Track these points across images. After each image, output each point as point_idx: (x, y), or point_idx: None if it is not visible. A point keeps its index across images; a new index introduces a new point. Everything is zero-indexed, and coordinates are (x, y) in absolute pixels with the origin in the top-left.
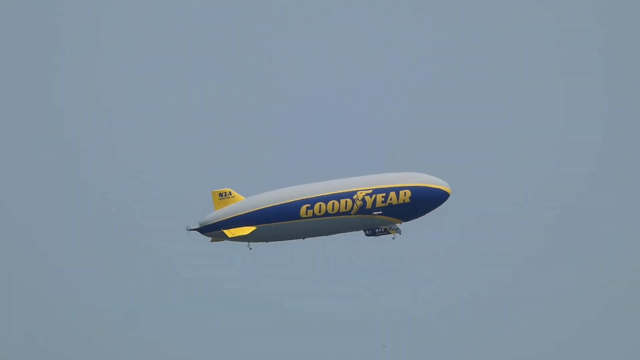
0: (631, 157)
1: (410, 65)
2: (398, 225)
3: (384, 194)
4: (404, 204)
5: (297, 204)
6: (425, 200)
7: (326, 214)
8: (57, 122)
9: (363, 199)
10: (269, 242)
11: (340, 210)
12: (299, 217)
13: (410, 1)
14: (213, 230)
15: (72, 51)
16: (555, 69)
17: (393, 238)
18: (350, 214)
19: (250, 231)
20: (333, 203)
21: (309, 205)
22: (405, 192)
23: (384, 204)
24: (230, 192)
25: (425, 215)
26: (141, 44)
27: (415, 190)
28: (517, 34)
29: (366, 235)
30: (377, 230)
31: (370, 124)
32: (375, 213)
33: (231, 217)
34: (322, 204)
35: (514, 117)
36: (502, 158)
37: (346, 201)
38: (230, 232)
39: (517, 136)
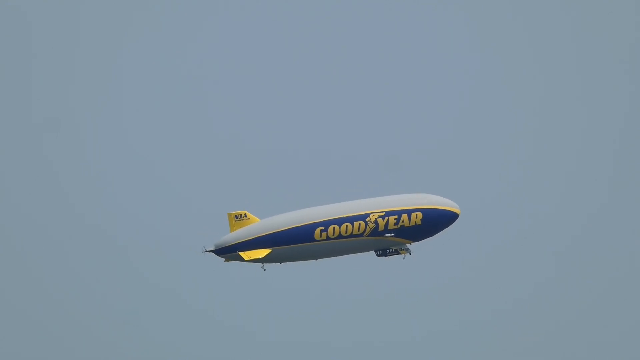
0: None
1: (419, 85)
2: (408, 245)
3: (396, 217)
4: (416, 225)
5: (312, 227)
6: (436, 222)
7: (339, 236)
8: (63, 140)
9: (375, 222)
10: (282, 263)
11: (354, 233)
12: (313, 240)
13: (411, 12)
14: (229, 252)
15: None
16: (571, 88)
17: (403, 258)
18: (363, 236)
19: (266, 254)
20: (346, 226)
21: (323, 228)
22: (416, 214)
23: (396, 226)
24: (245, 214)
25: (435, 235)
26: (147, 53)
27: (426, 212)
28: (531, 48)
29: (377, 255)
30: (387, 250)
31: (379, 143)
32: (387, 235)
33: (247, 240)
34: (336, 226)
35: (524, 136)
36: (508, 177)
37: (359, 224)
38: (246, 255)
39: (525, 156)
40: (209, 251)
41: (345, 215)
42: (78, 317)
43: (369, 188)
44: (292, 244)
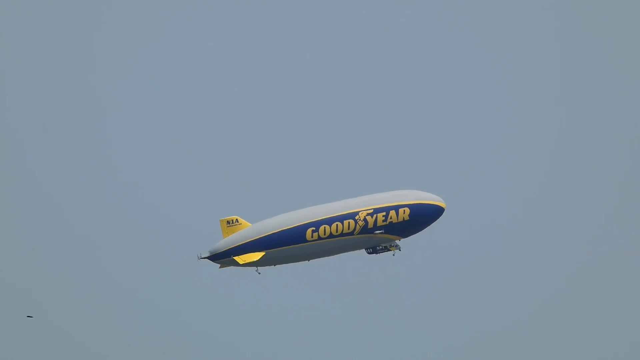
0: (629, 166)
1: (403, 81)
2: (397, 242)
3: (384, 213)
4: (404, 221)
5: (303, 228)
6: (423, 217)
7: (330, 235)
8: (61, 149)
9: (365, 219)
10: (276, 266)
11: (344, 232)
12: (305, 241)
13: (408, 11)
14: (224, 257)
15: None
16: (553, 77)
17: (393, 254)
18: (353, 234)
19: (260, 257)
20: (337, 225)
21: (314, 228)
22: (404, 210)
23: (384, 223)
24: (237, 219)
25: (422, 230)
26: (143, 60)
27: (413, 207)
28: (517, 41)
29: (368, 253)
30: (378, 248)
31: (364, 137)
32: (377, 232)
33: (240, 244)
34: (327, 226)
35: (508, 126)
36: (491, 169)
37: (349, 222)
38: (241, 259)
39: (506, 146)
40: (204, 258)
41: (335, 215)
42: (73, 326)
43: (355, 185)
44: (284, 245)
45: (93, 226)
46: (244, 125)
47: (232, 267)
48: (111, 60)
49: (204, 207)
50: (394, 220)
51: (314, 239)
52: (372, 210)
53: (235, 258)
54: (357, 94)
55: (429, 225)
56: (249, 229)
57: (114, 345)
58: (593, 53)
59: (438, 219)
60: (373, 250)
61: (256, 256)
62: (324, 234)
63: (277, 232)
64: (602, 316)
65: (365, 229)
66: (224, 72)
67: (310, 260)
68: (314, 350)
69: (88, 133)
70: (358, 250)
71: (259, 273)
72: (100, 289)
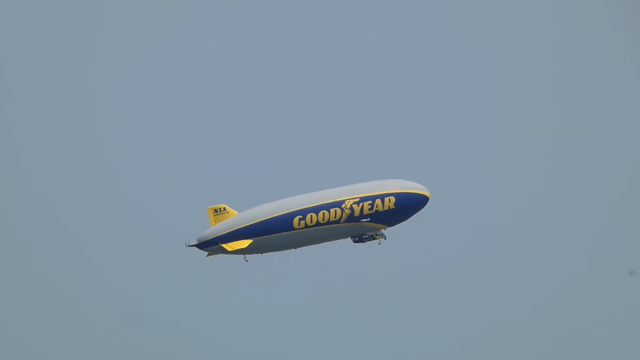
0: (621, 163)
1: (392, 71)
2: (383, 230)
3: (370, 202)
4: (389, 210)
5: (290, 216)
6: (408, 206)
7: (317, 223)
8: (43, 138)
9: (351, 208)
10: (263, 254)
11: (330, 220)
12: (293, 228)
13: (408, 11)
14: (212, 245)
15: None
16: (553, 77)
17: (379, 243)
18: (340, 223)
19: (248, 244)
20: (323, 213)
21: (301, 216)
22: (389, 199)
23: (370, 211)
24: (224, 207)
25: (408, 219)
26: (134, 56)
27: (399, 196)
28: (517, 41)
29: (354, 242)
30: (364, 236)
31: (353, 129)
32: (363, 220)
33: (228, 232)
34: (314, 214)
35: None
36: (488, 167)
37: (335, 210)
38: (229, 246)
39: (490, 141)
40: (192, 245)
41: (322, 203)
42: (63, 317)
43: (343, 173)
44: (272, 233)
45: (79, 214)
46: (238, 120)
47: (220, 255)
48: (108, 60)
49: (192, 196)
50: (380, 209)
51: (301, 226)
52: (358, 199)
53: (223, 245)
54: (351, 93)
55: (414, 214)
56: (236, 217)
57: (101, 343)
58: (592, 53)
59: (423, 208)
60: (359, 238)
61: (244, 243)
62: (311, 222)
63: (264, 219)
64: (595, 319)
65: (351, 217)
66: (218, 66)
67: (297, 248)
68: (301, 339)
69: (83, 131)
70: (344, 239)
71: (247, 261)
72: (86, 276)
